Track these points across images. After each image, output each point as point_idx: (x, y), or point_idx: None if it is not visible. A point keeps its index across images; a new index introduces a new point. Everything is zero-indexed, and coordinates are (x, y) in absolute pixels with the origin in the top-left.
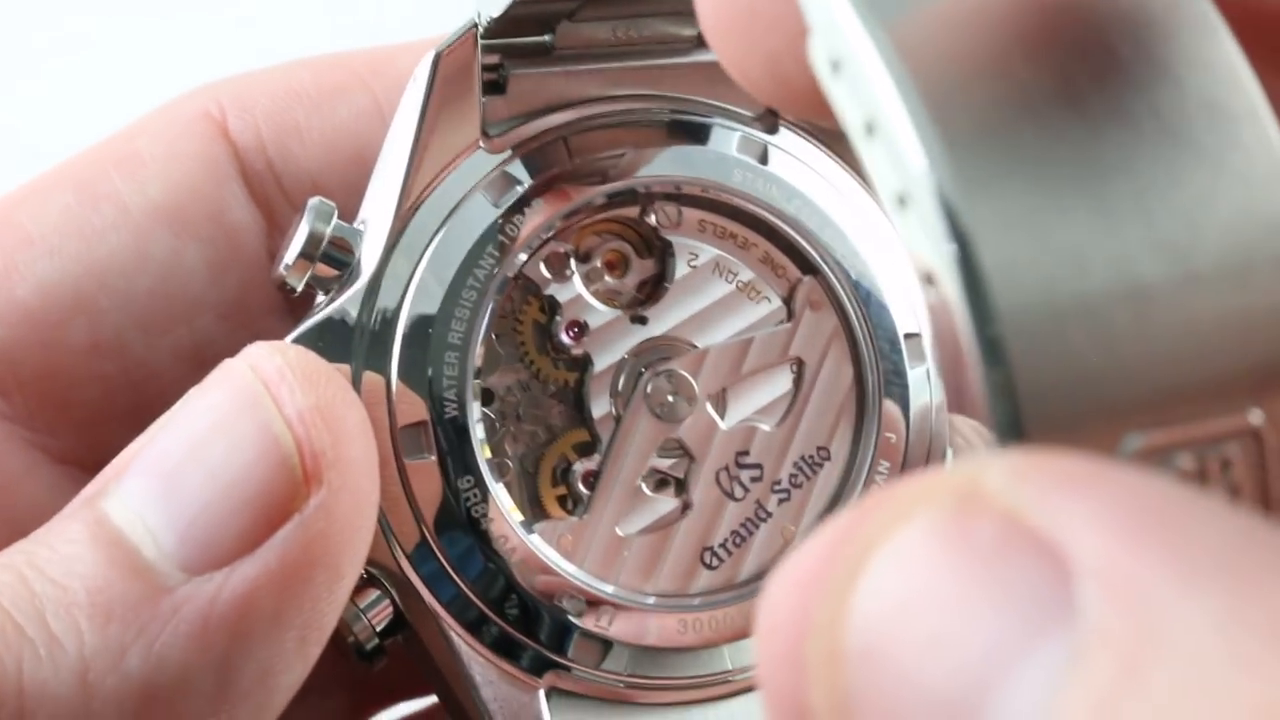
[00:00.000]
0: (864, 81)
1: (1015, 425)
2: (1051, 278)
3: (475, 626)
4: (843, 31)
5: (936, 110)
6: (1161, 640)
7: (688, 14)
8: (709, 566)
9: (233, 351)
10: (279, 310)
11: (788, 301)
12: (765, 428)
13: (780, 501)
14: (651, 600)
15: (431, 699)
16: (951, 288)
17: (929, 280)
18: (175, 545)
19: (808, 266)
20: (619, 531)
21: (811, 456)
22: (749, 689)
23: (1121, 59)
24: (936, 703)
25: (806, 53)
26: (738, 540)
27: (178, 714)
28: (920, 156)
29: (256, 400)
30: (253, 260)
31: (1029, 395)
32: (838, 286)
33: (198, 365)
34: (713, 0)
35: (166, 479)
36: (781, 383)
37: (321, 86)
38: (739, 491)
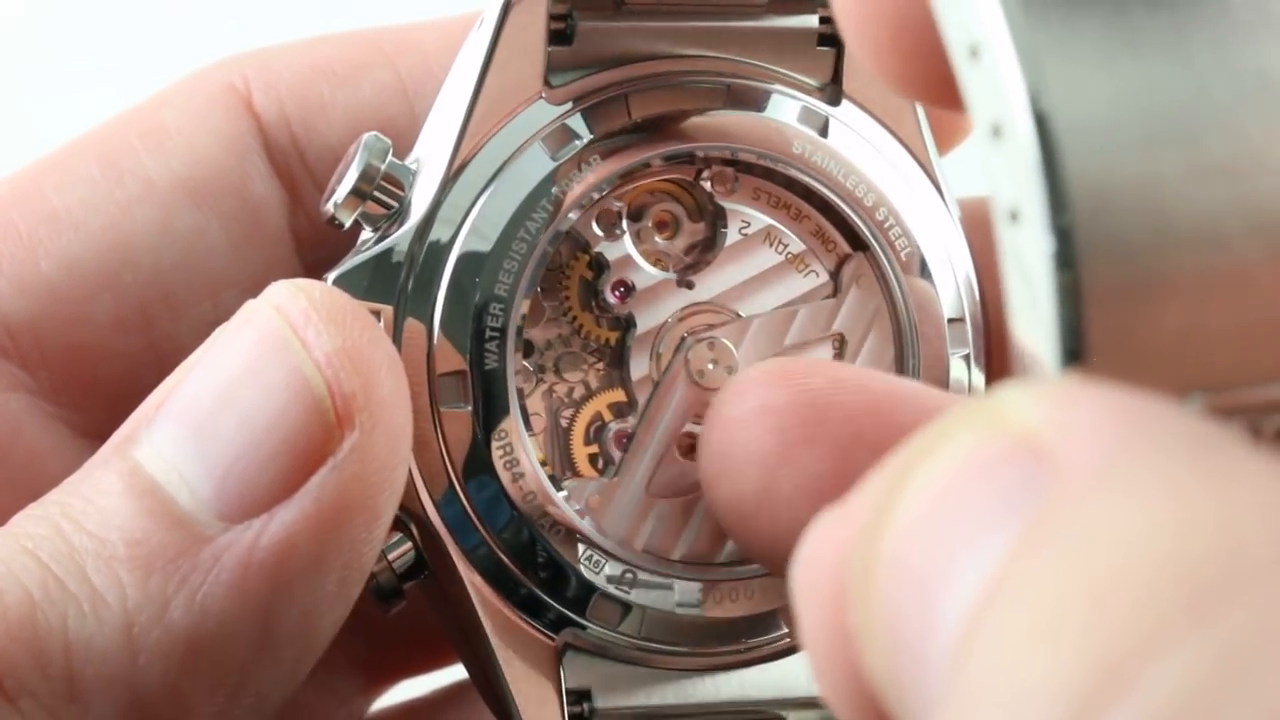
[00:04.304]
0: None
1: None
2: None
3: (494, 576)
4: None
5: None
6: (1065, 523)
7: None
8: None
9: None
10: None
11: (835, 276)
12: None
13: None
14: (676, 566)
15: (438, 679)
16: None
17: (997, 133)
18: (212, 494)
19: (858, 243)
20: (648, 495)
21: None
22: (761, 660)
23: None
24: (923, 611)
25: None
26: None
27: (222, 663)
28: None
29: (285, 343)
30: (275, 235)
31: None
32: (886, 266)
33: None
34: None
35: (198, 426)
36: (822, 357)
37: (346, 62)
38: None
